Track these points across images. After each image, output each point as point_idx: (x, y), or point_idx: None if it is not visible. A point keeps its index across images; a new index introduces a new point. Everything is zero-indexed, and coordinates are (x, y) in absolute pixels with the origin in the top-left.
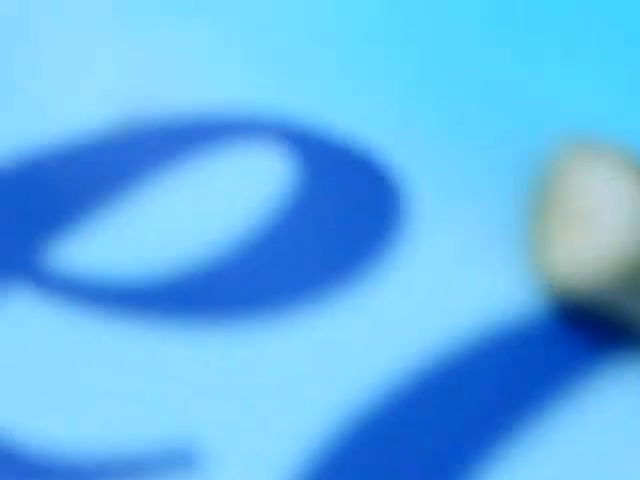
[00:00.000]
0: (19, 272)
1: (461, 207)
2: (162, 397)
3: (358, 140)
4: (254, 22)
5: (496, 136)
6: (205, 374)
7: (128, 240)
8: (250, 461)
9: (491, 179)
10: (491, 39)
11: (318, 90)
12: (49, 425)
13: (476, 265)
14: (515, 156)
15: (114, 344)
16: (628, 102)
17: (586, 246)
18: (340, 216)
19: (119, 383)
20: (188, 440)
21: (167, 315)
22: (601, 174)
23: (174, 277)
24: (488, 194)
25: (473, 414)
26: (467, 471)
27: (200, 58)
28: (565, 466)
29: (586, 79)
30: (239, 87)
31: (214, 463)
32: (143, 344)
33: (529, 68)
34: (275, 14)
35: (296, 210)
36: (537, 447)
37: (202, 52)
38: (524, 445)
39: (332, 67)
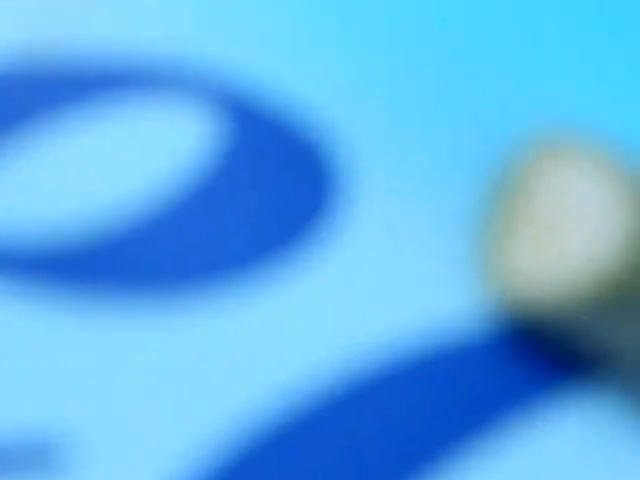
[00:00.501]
0: None
1: (411, 199)
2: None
3: (300, 114)
4: None
5: (463, 124)
6: (87, 354)
7: (19, 198)
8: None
9: (450, 172)
10: (468, 21)
11: (264, 51)
12: None
13: (421, 266)
14: (481, 148)
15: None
16: (614, 97)
17: (554, 257)
18: (265, 191)
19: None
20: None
21: (54, 287)
22: (577, 177)
23: (68, 245)
24: (444, 188)
25: (405, 426)
26: None
27: None
28: None
29: (572, 70)
30: (167, 33)
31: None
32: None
33: (510, 53)
34: None
35: (218, 178)
36: (478, 471)
37: None
38: (460, 469)
39: (286, 28)
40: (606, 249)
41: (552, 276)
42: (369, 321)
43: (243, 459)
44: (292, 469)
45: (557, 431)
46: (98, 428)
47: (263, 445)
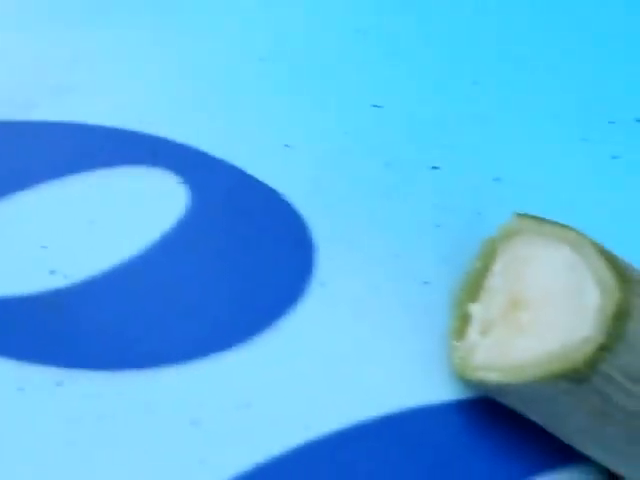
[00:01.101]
0: None
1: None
2: None
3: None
4: (175, 38)
5: (436, 203)
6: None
7: None
8: None
9: (422, 249)
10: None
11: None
12: None
13: (385, 337)
14: (454, 230)
15: None
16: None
17: (512, 346)
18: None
19: None
20: None
21: None
22: (547, 261)
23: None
24: (413, 266)
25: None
26: None
27: (121, 67)
28: None
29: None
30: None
31: None
32: None
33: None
34: (210, 44)
35: (186, 245)
36: None
37: (124, 60)
38: None
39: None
40: (579, 329)
41: (506, 363)
42: (335, 385)
43: None
44: None
45: None
46: None
47: None
